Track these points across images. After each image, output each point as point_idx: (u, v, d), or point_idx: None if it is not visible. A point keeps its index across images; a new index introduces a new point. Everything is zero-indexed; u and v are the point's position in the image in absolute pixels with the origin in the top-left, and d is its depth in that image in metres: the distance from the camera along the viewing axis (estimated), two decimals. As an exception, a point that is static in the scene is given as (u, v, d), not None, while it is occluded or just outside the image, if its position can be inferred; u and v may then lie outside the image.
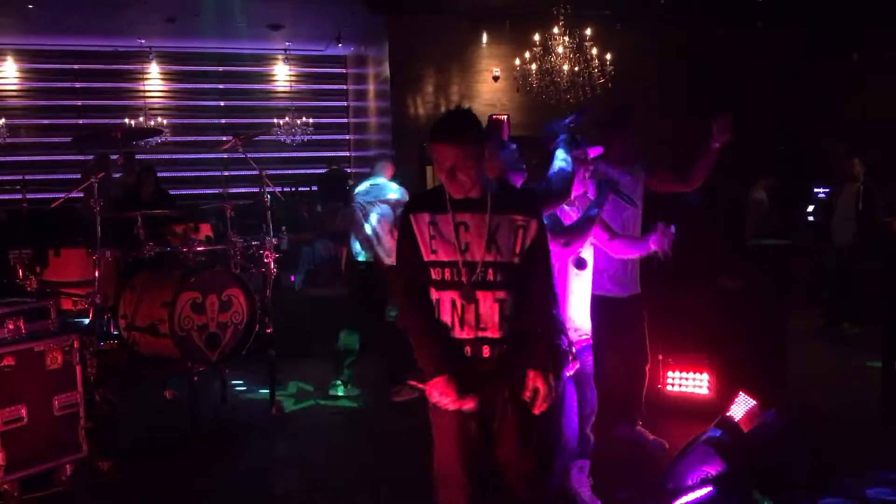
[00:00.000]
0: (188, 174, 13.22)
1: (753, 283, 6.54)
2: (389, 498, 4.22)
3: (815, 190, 9.57)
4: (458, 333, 2.71)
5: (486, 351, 2.70)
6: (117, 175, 9.89)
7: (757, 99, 11.37)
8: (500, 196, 2.71)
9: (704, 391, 5.24)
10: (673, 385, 5.33)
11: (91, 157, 9.27)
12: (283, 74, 14.46)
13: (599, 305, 4.02)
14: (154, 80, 13.96)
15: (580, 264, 3.65)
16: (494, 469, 2.82)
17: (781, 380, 5.36)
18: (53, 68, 13.52)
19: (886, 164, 8.19)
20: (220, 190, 6.39)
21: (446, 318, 2.72)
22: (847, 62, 11.37)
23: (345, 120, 14.90)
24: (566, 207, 3.68)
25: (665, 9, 10.89)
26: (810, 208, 9.57)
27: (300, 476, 4.57)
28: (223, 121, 14.09)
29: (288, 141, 13.63)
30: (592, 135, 4.13)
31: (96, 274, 5.15)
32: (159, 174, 8.87)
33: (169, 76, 14.05)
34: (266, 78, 14.48)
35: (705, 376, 5.24)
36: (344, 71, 14.86)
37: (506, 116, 11.16)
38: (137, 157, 10.76)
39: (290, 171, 13.27)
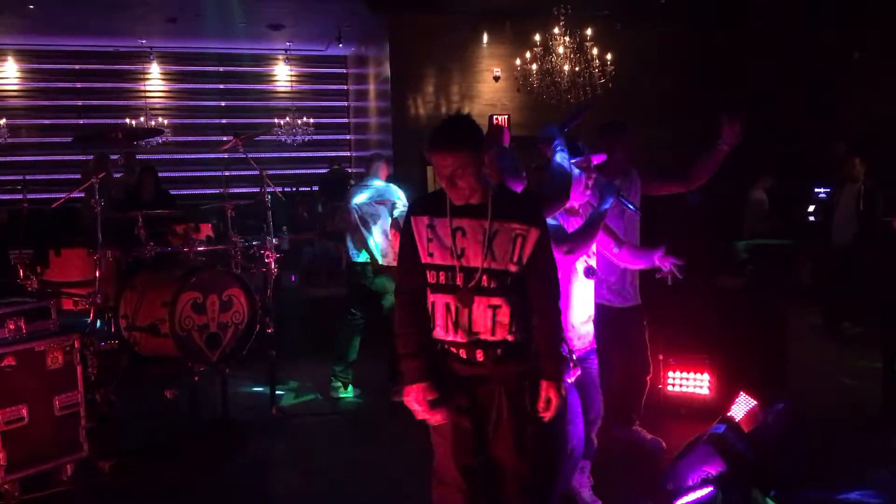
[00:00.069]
0: (189, 174, 13.25)
1: (753, 283, 6.55)
2: (389, 498, 4.22)
3: (816, 190, 9.57)
4: (452, 337, 2.73)
5: (479, 355, 2.72)
6: (118, 175, 9.92)
7: (757, 99, 11.37)
8: (501, 203, 2.70)
9: (705, 391, 5.24)
10: (673, 385, 5.33)
11: (92, 157, 9.28)
12: (283, 74, 14.48)
13: (599, 315, 4.03)
14: (155, 81, 13.98)
15: (589, 272, 3.66)
16: (491, 472, 2.82)
17: (781, 380, 5.36)
18: (54, 68, 13.55)
19: (887, 164, 8.18)
20: (221, 190, 6.39)
21: (440, 321, 2.74)
22: (847, 62, 11.36)
23: (345, 120, 14.92)
24: (565, 215, 3.67)
25: (665, 9, 10.90)
26: (811, 208, 9.57)
27: (300, 475, 4.56)
28: (224, 121, 14.11)
29: (288, 141, 13.65)
30: (592, 141, 4.13)
31: (97, 274, 5.15)
32: (160, 174, 8.88)
33: (170, 76, 14.07)
34: (267, 78, 14.50)
35: (706, 376, 5.24)
36: (344, 71, 14.88)
37: (506, 116, 11.17)
38: (138, 157, 10.79)
39: (290, 172, 13.29)
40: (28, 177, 7.29)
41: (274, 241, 5.81)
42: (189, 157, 13.65)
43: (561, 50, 10.39)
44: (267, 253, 5.74)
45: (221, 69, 14.27)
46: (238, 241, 5.78)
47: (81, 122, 13.48)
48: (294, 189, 12.48)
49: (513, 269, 2.68)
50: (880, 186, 7.76)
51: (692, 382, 5.29)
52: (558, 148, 3.55)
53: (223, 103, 14.25)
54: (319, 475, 4.55)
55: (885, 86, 10.84)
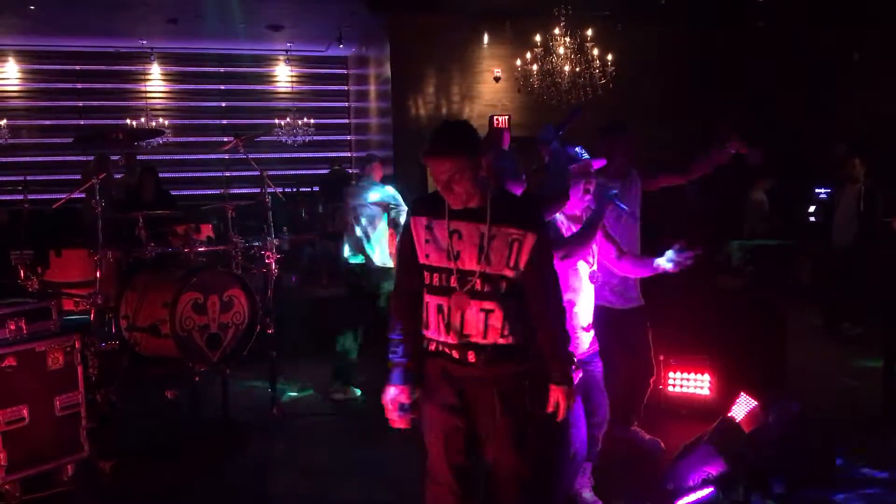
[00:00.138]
0: (189, 175, 13.25)
1: (753, 283, 6.55)
2: (389, 498, 4.23)
3: (816, 190, 9.57)
4: (444, 338, 2.74)
5: (471, 356, 2.72)
6: (119, 176, 9.92)
7: (757, 99, 11.38)
8: (499, 207, 2.70)
9: (705, 392, 5.24)
10: (674, 386, 5.33)
11: (92, 157, 9.28)
12: (284, 75, 14.49)
13: (601, 317, 4.03)
14: (155, 81, 13.99)
15: (593, 277, 3.66)
16: (490, 473, 2.82)
17: (781, 380, 5.36)
18: (55, 69, 13.56)
19: (887, 165, 8.19)
20: (222, 190, 6.40)
21: (432, 321, 2.76)
22: (847, 62, 11.36)
23: (346, 121, 14.92)
24: (567, 221, 3.67)
25: (666, 9, 10.90)
26: (811, 209, 9.58)
27: (300, 476, 4.57)
28: (224, 121, 14.12)
29: (289, 142, 13.65)
30: (592, 143, 4.13)
31: (98, 274, 5.15)
32: (161, 175, 8.88)
33: (170, 77, 14.07)
34: (267, 79, 14.50)
35: (706, 377, 5.24)
36: (345, 71, 14.88)
37: (507, 117, 11.17)
38: (139, 157, 10.79)
39: (291, 172, 13.29)
40: (29, 177, 7.30)
41: (274, 241, 5.81)
42: (190, 158, 13.65)
43: (561, 50, 10.39)
44: (267, 253, 5.75)
45: (222, 70, 14.27)
46: (238, 242, 5.79)
47: (82, 122, 13.48)
48: (294, 190, 12.48)
49: (509, 273, 2.67)
50: (880, 187, 7.77)
51: (692, 383, 5.29)
52: (554, 147, 3.56)
53: (224, 104, 14.25)
54: (319, 475, 4.55)
55: (885, 86, 10.85)
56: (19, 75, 13.51)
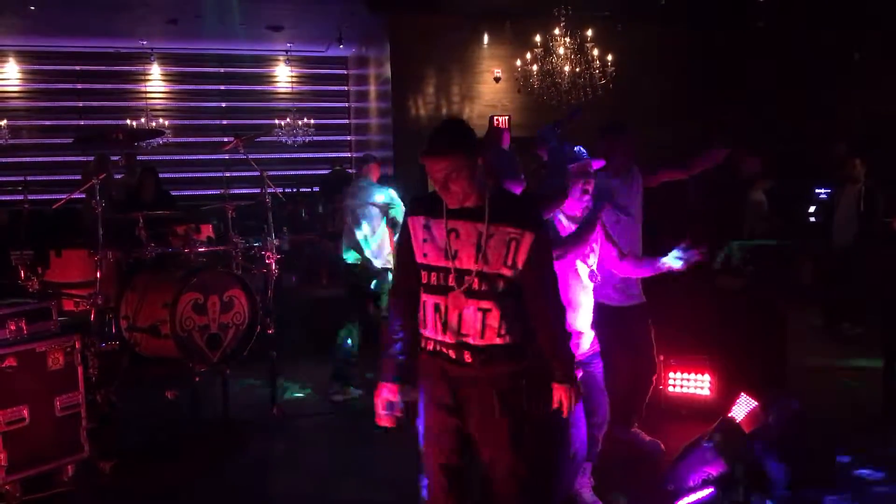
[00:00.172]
0: (190, 175, 13.26)
1: (753, 284, 6.55)
2: (389, 498, 4.23)
3: (816, 191, 9.57)
4: (441, 336, 2.74)
5: (467, 356, 2.72)
6: (119, 176, 9.92)
7: (757, 99, 11.38)
8: (497, 206, 2.70)
9: (706, 392, 5.24)
10: (674, 386, 5.33)
11: (92, 158, 9.28)
12: (284, 76, 14.49)
13: (603, 314, 4.02)
14: (155, 82, 13.99)
15: (592, 277, 3.66)
16: (487, 473, 2.81)
17: (781, 380, 5.36)
18: (55, 69, 13.56)
19: (887, 165, 8.19)
20: (222, 191, 6.39)
21: (430, 320, 2.76)
22: (847, 62, 11.37)
23: (346, 121, 14.92)
24: (567, 222, 3.67)
25: (666, 10, 10.89)
26: (811, 209, 9.57)
27: (301, 476, 4.57)
28: (224, 122, 14.12)
29: (289, 142, 13.65)
30: (592, 143, 4.14)
31: (98, 275, 5.15)
32: (161, 175, 8.88)
33: (170, 77, 14.08)
34: (267, 79, 14.51)
35: (706, 377, 5.24)
36: (345, 72, 14.88)
37: (507, 118, 11.17)
38: (139, 158, 10.79)
39: (291, 173, 13.29)
40: (29, 178, 7.29)
41: (275, 241, 5.81)
42: (190, 158, 13.66)
43: (561, 51, 10.39)
44: (267, 254, 5.75)
45: (222, 70, 14.28)
46: (239, 242, 5.79)
47: (82, 123, 13.48)
48: (294, 190, 12.48)
49: (506, 272, 2.67)
50: (880, 187, 7.77)
51: (693, 383, 5.29)
52: (553, 146, 3.56)
53: (224, 104, 14.26)
54: (319, 475, 4.56)
55: (886, 86, 10.86)
56: (19, 76, 13.51)
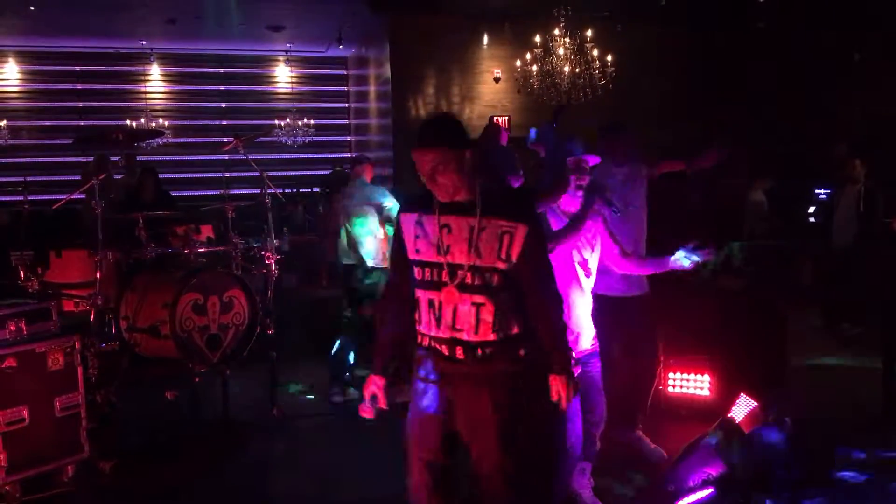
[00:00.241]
0: (189, 175, 13.26)
1: (753, 284, 6.55)
2: (389, 498, 4.22)
3: (816, 191, 9.57)
4: (435, 332, 2.74)
5: (459, 352, 2.72)
6: (118, 177, 9.91)
7: (757, 100, 11.38)
8: (490, 200, 2.70)
9: (705, 392, 5.24)
10: (674, 386, 5.33)
11: (92, 158, 9.28)
12: (284, 76, 14.50)
13: (608, 305, 4.02)
14: (155, 82, 14.00)
15: (587, 271, 3.67)
16: (475, 471, 2.80)
17: (781, 380, 5.36)
18: (55, 70, 13.57)
19: (887, 166, 8.20)
20: (222, 191, 6.39)
21: (424, 316, 2.77)
22: (847, 63, 11.37)
23: (346, 121, 14.93)
24: (561, 217, 3.68)
25: (666, 10, 10.90)
26: (811, 209, 9.57)
27: (300, 476, 4.57)
28: (224, 122, 14.14)
29: (289, 142, 13.66)
30: (591, 143, 4.15)
31: (98, 275, 5.15)
32: (160, 176, 8.87)
33: (170, 78, 14.09)
34: (267, 79, 14.52)
35: (706, 377, 5.23)
36: (345, 72, 14.89)
37: (507, 118, 11.18)
38: (139, 158, 10.78)
39: (291, 173, 13.30)
40: (29, 178, 7.31)
41: (275, 242, 5.81)
42: (190, 159, 13.67)
43: (561, 51, 10.39)
44: (267, 254, 5.75)
45: (222, 71, 14.29)
46: (238, 243, 5.79)
47: (82, 123, 13.49)
48: (294, 190, 12.48)
49: (501, 265, 2.66)
50: (880, 187, 7.78)
51: (692, 384, 5.28)
52: (551, 141, 3.58)
53: (224, 105, 14.27)
54: (319, 475, 4.55)
55: (886, 87, 10.86)
56: (19, 76, 13.52)
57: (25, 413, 4.06)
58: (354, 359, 6.05)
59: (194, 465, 4.73)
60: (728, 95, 11.43)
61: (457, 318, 2.69)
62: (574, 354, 3.40)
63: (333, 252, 6.32)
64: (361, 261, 5.95)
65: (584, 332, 3.67)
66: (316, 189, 12.45)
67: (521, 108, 11.60)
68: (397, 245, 2.85)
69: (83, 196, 7.50)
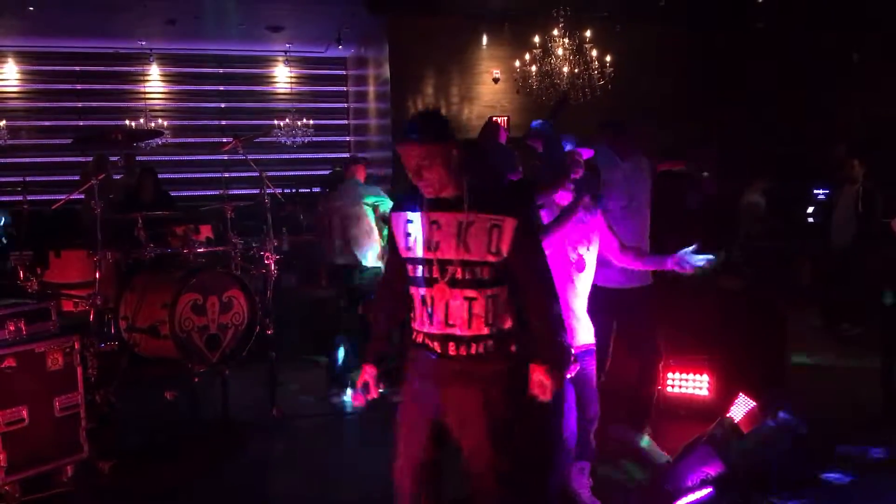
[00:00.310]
0: (189, 176, 13.26)
1: (753, 284, 6.55)
2: (389, 498, 4.21)
3: (815, 191, 9.58)
4: (428, 328, 2.75)
5: (451, 348, 2.72)
6: (118, 177, 9.91)
7: (757, 100, 11.38)
8: (476, 194, 2.70)
9: (704, 392, 5.24)
10: (672, 386, 5.33)
11: (91, 158, 9.28)
12: (283, 76, 14.49)
13: (611, 298, 4.01)
14: (154, 82, 13.99)
15: (579, 266, 3.67)
16: (466, 467, 2.79)
17: (781, 380, 5.36)
18: (54, 70, 13.56)
19: (886, 166, 8.20)
20: (221, 191, 6.40)
21: (418, 313, 2.78)
22: (847, 64, 11.38)
23: (345, 122, 14.93)
24: (558, 209, 3.69)
25: (665, 10, 10.90)
26: (810, 210, 9.58)
27: (300, 476, 4.57)
28: (223, 122, 14.13)
29: (288, 143, 13.65)
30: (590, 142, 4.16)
31: (97, 275, 5.15)
32: (160, 176, 8.86)
33: (169, 78, 14.08)
34: (266, 80, 14.51)
35: (705, 377, 5.23)
36: (344, 73, 14.89)
37: (506, 118, 11.17)
38: (138, 158, 10.78)
39: (290, 173, 13.29)
40: (28, 178, 7.30)
41: (274, 242, 5.81)
42: (189, 159, 13.66)
43: (560, 51, 10.39)
44: (267, 254, 5.75)
45: (221, 71, 14.28)
46: (238, 243, 5.79)
47: (81, 123, 13.48)
48: (294, 191, 12.48)
49: (491, 259, 2.66)
50: (879, 188, 7.78)
51: (691, 383, 5.28)
52: (549, 135, 3.59)
53: (223, 105, 14.26)
54: (319, 476, 4.55)
55: (885, 88, 10.87)
56: (18, 76, 13.51)
57: (25, 413, 4.06)
58: (353, 359, 6.04)
59: (193, 465, 4.73)
60: (728, 96, 11.43)
61: (449, 314, 2.70)
62: (573, 351, 3.40)
63: (332, 252, 6.33)
64: (356, 260, 5.96)
65: (579, 327, 3.67)
66: (317, 189, 12.44)
67: (520, 108, 11.59)
68: (391, 244, 2.89)
69: (82, 196, 7.51)
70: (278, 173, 12.20)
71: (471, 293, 2.67)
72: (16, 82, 13.49)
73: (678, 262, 3.74)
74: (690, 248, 3.71)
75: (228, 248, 5.78)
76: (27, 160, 12.98)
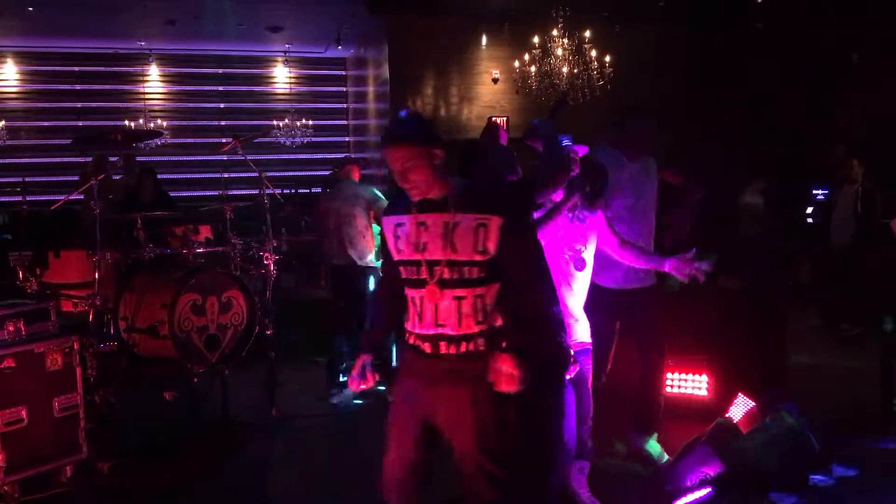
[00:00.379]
0: (188, 176, 13.26)
1: (753, 284, 6.55)
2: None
3: (814, 191, 9.58)
4: (419, 329, 2.76)
5: (442, 347, 2.72)
6: (117, 177, 9.91)
7: (757, 101, 11.38)
8: (463, 195, 2.70)
9: (703, 392, 5.24)
10: (672, 387, 5.32)
11: (91, 159, 9.28)
12: (282, 76, 14.49)
13: (614, 299, 4.00)
14: (154, 83, 13.99)
15: (579, 265, 3.67)
16: (458, 467, 2.78)
17: (781, 380, 5.36)
18: (53, 70, 13.56)
19: (885, 166, 8.20)
20: (220, 192, 6.39)
21: (411, 314, 2.80)
22: (846, 65, 11.37)
23: (344, 122, 14.93)
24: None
25: (665, 10, 10.90)
26: (809, 210, 9.58)
27: (300, 476, 4.56)
28: (223, 123, 14.13)
29: (287, 143, 13.65)
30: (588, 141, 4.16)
31: (96, 275, 5.15)
32: (159, 176, 8.86)
33: (169, 78, 14.08)
34: (266, 80, 14.51)
35: (704, 378, 5.23)
36: (343, 73, 14.89)
37: (505, 118, 11.18)
38: (137, 159, 10.77)
39: (290, 174, 13.29)
40: (27, 179, 7.27)
41: (273, 242, 5.81)
42: (188, 159, 13.66)
43: (559, 52, 10.40)
44: (266, 255, 5.75)
45: (220, 71, 14.28)
46: (237, 243, 5.79)
47: (80, 124, 13.48)
48: (293, 191, 12.47)
49: (479, 258, 2.65)
50: (878, 188, 7.79)
51: (690, 384, 5.28)
52: (549, 135, 3.59)
53: (222, 105, 14.26)
54: (319, 476, 4.55)
55: (884, 88, 10.86)
56: (18, 77, 13.51)
57: (24, 413, 4.06)
58: (353, 357, 6.03)
59: (193, 465, 4.73)
60: (727, 96, 11.43)
61: (439, 314, 2.70)
62: (572, 351, 3.40)
63: (330, 253, 6.33)
64: (352, 260, 5.96)
65: (575, 326, 3.67)
66: (316, 189, 12.43)
67: (519, 108, 11.60)
68: (384, 247, 2.91)
69: (82, 196, 7.51)
70: (278, 174, 12.20)
71: (459, 292, 2.68)
72: (15, 83, 13.49)
73: (676, 267, 3.75)
74: (689, 254, 3.71)
75: (228, 249, 5.78)
76: (26, 160, 12.99)
